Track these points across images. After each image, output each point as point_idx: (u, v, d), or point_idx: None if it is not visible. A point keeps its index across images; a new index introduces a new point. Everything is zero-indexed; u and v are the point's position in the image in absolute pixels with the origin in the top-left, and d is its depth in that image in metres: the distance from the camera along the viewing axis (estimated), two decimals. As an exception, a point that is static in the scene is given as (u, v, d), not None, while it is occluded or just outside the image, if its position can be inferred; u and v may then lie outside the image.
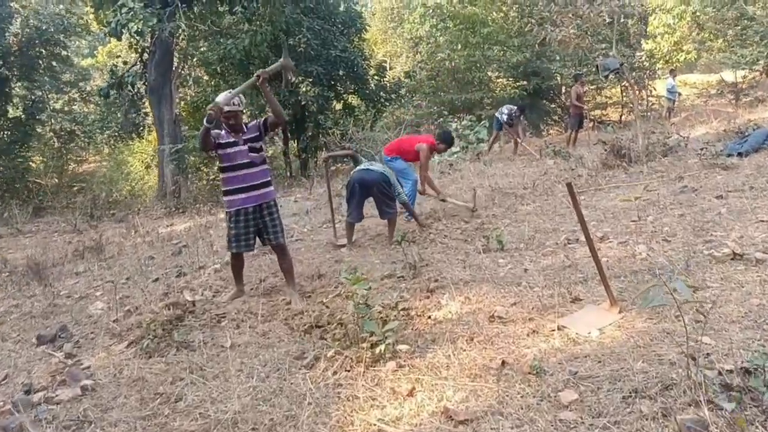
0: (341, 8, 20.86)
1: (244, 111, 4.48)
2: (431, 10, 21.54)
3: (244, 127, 4.66)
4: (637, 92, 9.36)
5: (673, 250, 4.60)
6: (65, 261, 8.43)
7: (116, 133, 26.55)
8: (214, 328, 4.21)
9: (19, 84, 23.49)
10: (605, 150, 9.21)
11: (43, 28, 21.69)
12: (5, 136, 22.80)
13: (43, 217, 15.89)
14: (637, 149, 8.52)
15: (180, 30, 13.45)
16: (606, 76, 8.49)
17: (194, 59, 16.67)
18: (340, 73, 20.15)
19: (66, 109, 29.10)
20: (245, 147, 4.58)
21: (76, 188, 23.00)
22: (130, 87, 15.53)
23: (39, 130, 28.08)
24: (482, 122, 16.36)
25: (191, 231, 9.84)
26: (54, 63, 24.36)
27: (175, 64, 15.17)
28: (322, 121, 17.65)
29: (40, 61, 23.11)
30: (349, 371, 3.26)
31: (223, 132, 4.63)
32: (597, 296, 3.89)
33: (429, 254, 5.53)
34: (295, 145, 21.19)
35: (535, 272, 4.58)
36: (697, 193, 6.18)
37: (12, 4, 20.79)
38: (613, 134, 11.62)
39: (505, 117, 13.59)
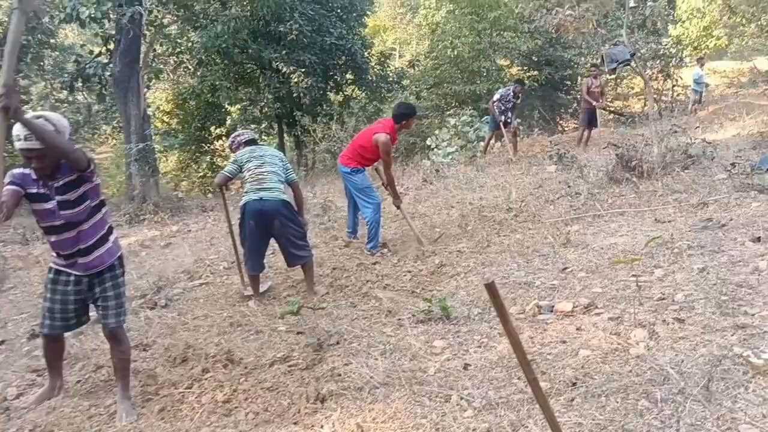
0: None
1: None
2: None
3: (58, 169, 3.03)
4: (653, 88, 7.69)
5: (687, 339, 3.06)
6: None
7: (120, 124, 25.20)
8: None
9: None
10: (615, 157, 7.60)
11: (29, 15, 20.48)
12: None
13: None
14: (651, 159, 6.91)
15: (143, 16, 12.02)
16: (613, 70, 6.87)
17: (165, 48, 15.24)
18: (339, 62, 18.66)
19: (70, 99, 28.03)
20: (54, 203, 3.03)
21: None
22: (97, 79, 14.20)
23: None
24: (485, 118, 14.78)
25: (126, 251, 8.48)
26: (44, 52, 23.22)
27: (143, 53, 13.75)
28: (298, 119, 16.21)
29: (27, 51, 21.95)
30: None
31: (28, 172, 3.14)
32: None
33: (350, 321, 4.06)
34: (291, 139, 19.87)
35: (478, 372, 3.09)
36: (725, 231, 4.59)
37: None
38: (628, 134, 9.92)
39: (495, 98, 11.48)
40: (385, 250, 5.72)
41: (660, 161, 6.88)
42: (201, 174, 22.05)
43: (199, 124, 20.59)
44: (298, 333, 3.91)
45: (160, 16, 13.94)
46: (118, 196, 15.56)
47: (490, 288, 2.02)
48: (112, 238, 3.30)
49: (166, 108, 22.51)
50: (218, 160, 22.80)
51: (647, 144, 7.86)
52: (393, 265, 5.27)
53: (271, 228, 4.65)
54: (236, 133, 5.19)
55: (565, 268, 4.45)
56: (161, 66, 15.73)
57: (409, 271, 5.04)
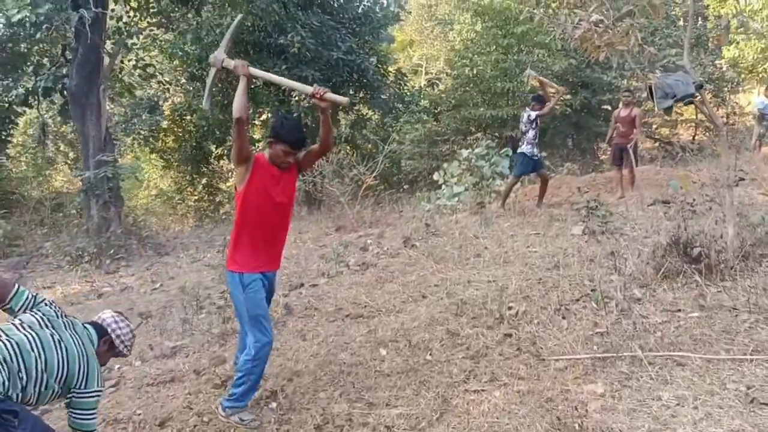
0: (359, 9, 17.18)
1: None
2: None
3: None
4: (725, 132, 5.22)
5: None
6: None
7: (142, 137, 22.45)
8: None
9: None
10: (666, 233, 5.24)
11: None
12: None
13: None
14: (723, 245, 4.53)
15: (91, 20, 10.07)
16: (669, 108, 4.55)
17: (131, 60, 13.34)
18: (349, 79, 16.59)
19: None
20: None
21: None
22: (58, 94, 12.39)
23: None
24: (505, 149, 12.41)
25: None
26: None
27: (105, 65, 11.84)
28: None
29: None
30: None
31: None
32: None
33: None
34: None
35: None
36: None
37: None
38: (683, 186, 7.36)
39: (523, 129, 8.47)
40: (270, 408, 3.41)
41: (737, 248, 4.49)
42: (197, 197, 20.19)
43: (194, 143, 18.82)
44: None
45: (130, 24, 12.04)
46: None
47: None
48: None
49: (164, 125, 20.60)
50: (218, 182, 20.92)
51: (715, 214, 5.47)
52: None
53: None
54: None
55: None
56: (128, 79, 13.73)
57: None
